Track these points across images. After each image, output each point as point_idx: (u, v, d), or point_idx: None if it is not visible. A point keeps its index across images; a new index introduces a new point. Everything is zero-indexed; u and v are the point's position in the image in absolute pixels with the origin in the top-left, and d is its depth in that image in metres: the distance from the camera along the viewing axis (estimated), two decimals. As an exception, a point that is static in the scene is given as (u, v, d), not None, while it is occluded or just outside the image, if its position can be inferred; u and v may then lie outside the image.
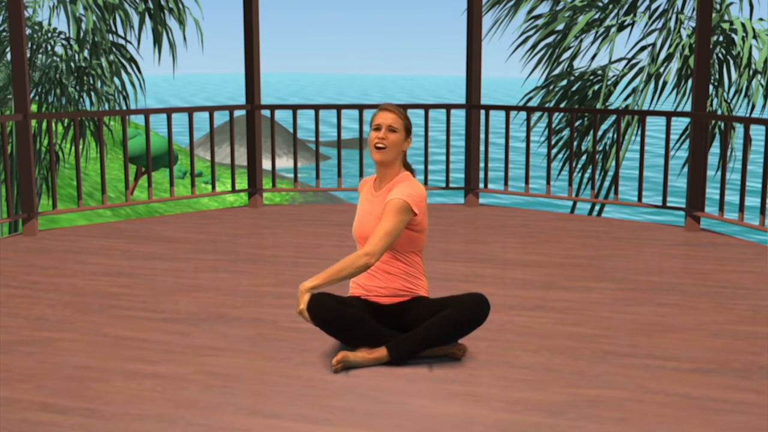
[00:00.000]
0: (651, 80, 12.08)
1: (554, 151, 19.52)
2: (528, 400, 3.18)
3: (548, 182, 7.11)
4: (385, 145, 3.59)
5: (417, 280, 3.70)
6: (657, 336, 3.92)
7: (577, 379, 3.39)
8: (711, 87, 11.92)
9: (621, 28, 12.22)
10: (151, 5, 13.65)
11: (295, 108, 7.43)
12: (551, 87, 12.46)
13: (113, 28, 13.55)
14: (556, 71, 12.64)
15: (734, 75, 12.36)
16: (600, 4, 12.32)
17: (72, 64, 13.55)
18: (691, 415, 3.05)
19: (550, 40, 12.65)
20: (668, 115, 6.56)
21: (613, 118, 12.99)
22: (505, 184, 7.37)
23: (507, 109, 7.29)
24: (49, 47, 13.63)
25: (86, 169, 31.12)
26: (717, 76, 11.87)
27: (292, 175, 46.69)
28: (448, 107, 7.38)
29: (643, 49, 12.36)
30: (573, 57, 12.47)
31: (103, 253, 5.65)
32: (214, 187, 7.18)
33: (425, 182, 7.51)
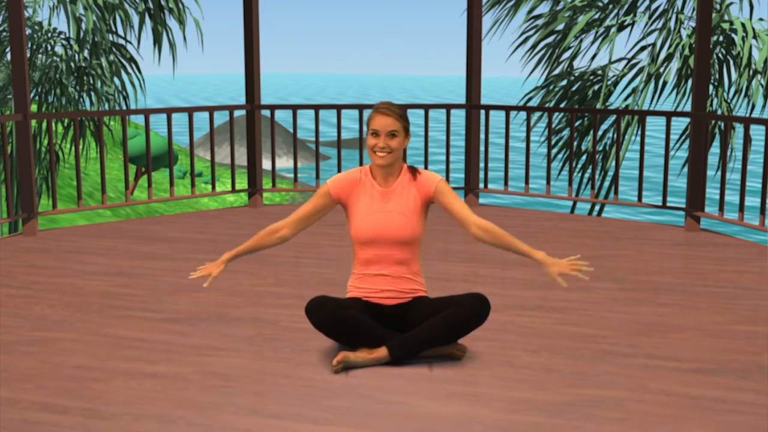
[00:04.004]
0: (651, 80, 12.08)
1: (554, 151, 19.52)
2: (528, 400, 3.18)
3: (548, 182, 7.11)
4: (387, 151, 3.54)
5: (419, 279, 3.71)
6: (657, 336, 3.92)
7: (577, 379, 3.39)
8: (711, 87, 11.92)
9: (621, 28, 12.22)
10: (151, 5, 13.65)
11: (295, 108, 7.43)
12: (551, 87, 12.46)
13: (113, 28, 13.55)
14: (556, 71, 12.64)
15: (734, 75, 12.36)
16: (600, 4, 12.32)
17: (72, 64, 13.55)
18: (691, 415, 3.05)
19: (550, 40, 12.66)
20: (668, 115, 6.56)
21: (613, 118, 12.99)
22: (505, 184, 7.37)
23: (507, 109, 7.29)
24: (49, 47, 13.63)
25: (86, 169, 31.12)
26: (717, 76, 11.87)
27: (292, 175, 46.69)
28: (448, 107, 7.38)
29: (643, 49, 12.36)
30: (573, 57, 12.48)
31: (103, 253, 5.65)
32: (214, 187, 7.18)
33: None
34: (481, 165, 46.53)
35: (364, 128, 36.28)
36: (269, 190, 7.52)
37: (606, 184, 35.94)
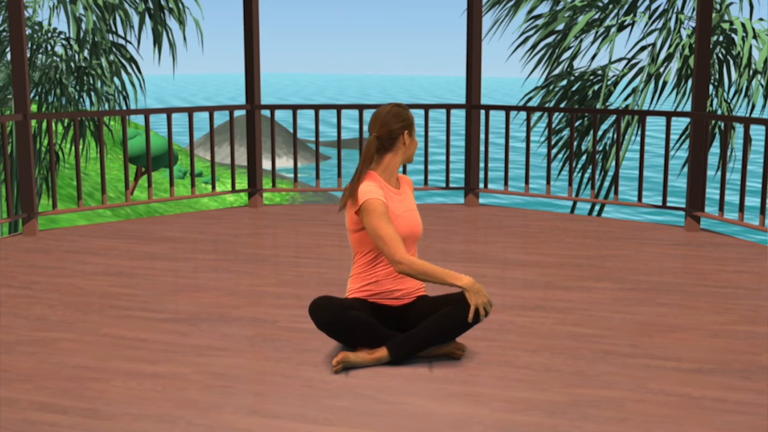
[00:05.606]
0: (651, 80, 12.08)
1: (554, 151, 19.52)
2: (528, 400, 3.18)
3: (548, 182, 7.11)
4: None
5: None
6: (657, 336, 3.92)
7: (577, 379, 3.39)
8: (711, 87, 11.92)
9: (621, 28, 12.22)
10: (151, 5, 13.65)
11: (295, 108, 7.43)
12: (551, 87, 12.46)
13: (113, 28, 13.55)
14: (556, 71, 12.64)
15: (734, 75, 12.36)
16: (600, 4, 12.32)
17: (72, 64, 13.55)
18: (691, 415, 3.05)
19: (550, 40, 12.65)
20: (668, 115, 6.56)
21: (613, 118, 12.99)
22: (505, 184, 7.37)
23: (507, 109, 7.29)
24: (49, 47, 13.63)
25: (86, 169, 31.12)
26: (717, 76, 11.87)
27: (292, 175, 46.68)
28: (448, 107, 7.38)
29: (643, 49, 12.36)
30: (573, 57, 12.47)
31: (103, 253, 5.65)
32: (214, 187, 7.19)
33: (425, 182, 7.52)
34: (481, 165, 46.52)
35: (365, 128, 36.26)
36: (269, 190, 7.52)
37: (606, 184, 35.93)
